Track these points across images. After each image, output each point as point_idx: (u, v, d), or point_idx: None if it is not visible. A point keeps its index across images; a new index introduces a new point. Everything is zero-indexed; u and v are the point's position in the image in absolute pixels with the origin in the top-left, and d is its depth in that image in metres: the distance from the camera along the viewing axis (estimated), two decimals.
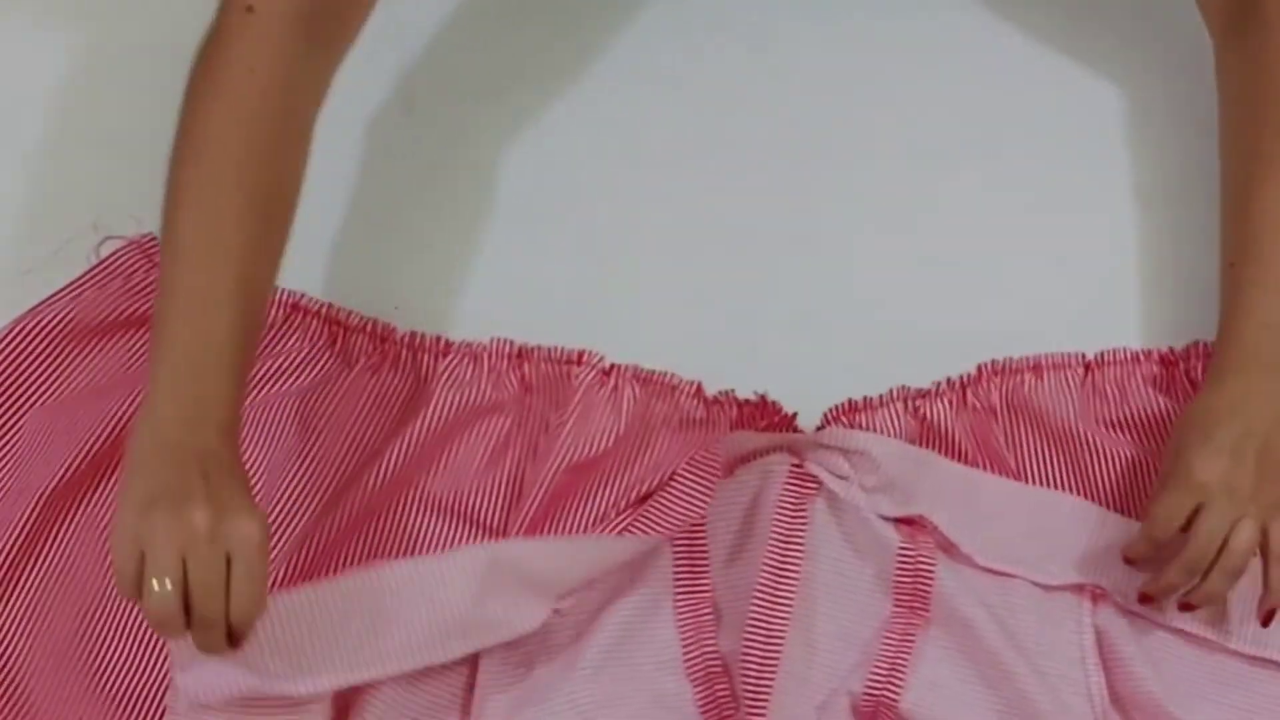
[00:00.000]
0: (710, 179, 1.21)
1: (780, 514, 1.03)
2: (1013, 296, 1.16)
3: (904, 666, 1.02)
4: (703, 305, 1.13)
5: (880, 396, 1.08)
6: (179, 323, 0.93)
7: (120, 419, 1.06)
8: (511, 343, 1.10)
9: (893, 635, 1.03)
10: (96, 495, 1.06)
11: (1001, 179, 1.20)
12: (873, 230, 1.19)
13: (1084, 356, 1.12)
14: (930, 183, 1.20)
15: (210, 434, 0.91)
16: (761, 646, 1.00)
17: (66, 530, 1.05)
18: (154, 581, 0.85)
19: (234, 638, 0.89)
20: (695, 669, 1.02)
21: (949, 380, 1.10)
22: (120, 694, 1.02)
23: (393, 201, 1.18)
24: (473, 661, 1.01)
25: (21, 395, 1.08)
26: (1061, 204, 1.19)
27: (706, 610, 1.03)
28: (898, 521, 1.06)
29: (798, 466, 1.04)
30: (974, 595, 1.03)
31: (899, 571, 1.04)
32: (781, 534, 1.02)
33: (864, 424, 1.08)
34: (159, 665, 1.02)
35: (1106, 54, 1.24)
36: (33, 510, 1.03)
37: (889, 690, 1.02)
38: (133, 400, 1.06)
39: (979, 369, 1.10)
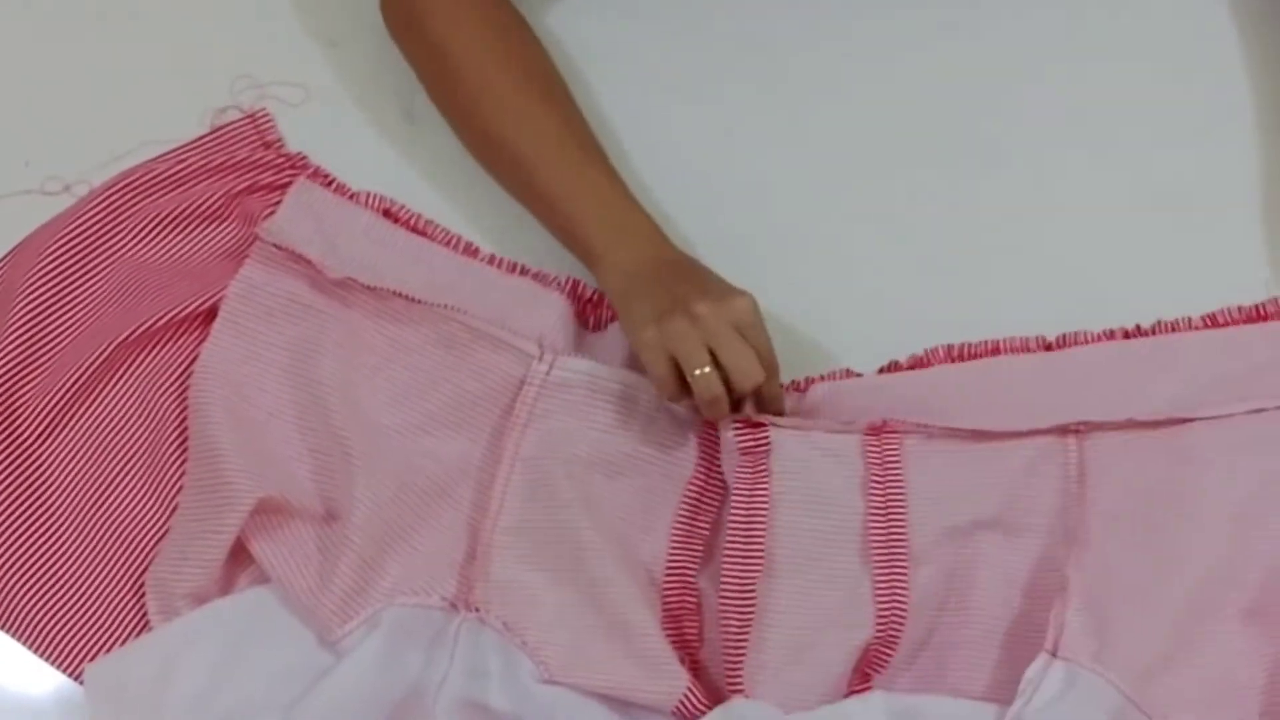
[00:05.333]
0: (714, 184, 1.21)
1: (740, 473, 1.04)
2: (1013, 294, 1.16)
3: (903, 601, 1.03)
4: None
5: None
6: (573, 185, 1.10)
7: (205, 301, 1.12)
8: None
9: (883, 576, 1.04)
10: (156, 356, 1.12)
11: (1002, 177, 1.20)
12: (872, 228, 1.19)
13: (1044, 338, 1.12)
14: (929, 181, 1.20)
15: (664, 250, 1.09)
16: (738, 604, 1.01)
17: (123, 381, 1.11)
18: (696, 371, 1.00)
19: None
20: (671, 596, 1.05)
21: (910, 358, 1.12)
22: (141, 548, 1.08)
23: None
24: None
25: (110, 244, 1.13)
26: (1061, 202, 1.19)
27: (699, 545, 1.05)
28: (866, 430, 1.07)
29: (741, 422, 1.06)
30: (951, 480, 1.06)
31: (872, 520, 1.05)
32: (744, 492, 1.04)
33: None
34: None
35: (1110, 53, 1.24)
36: (102, 354, 1.08)
37: (893, 626, 1.03)
38: (216, 293, 1.12)
39: (934, 350, 1.12)
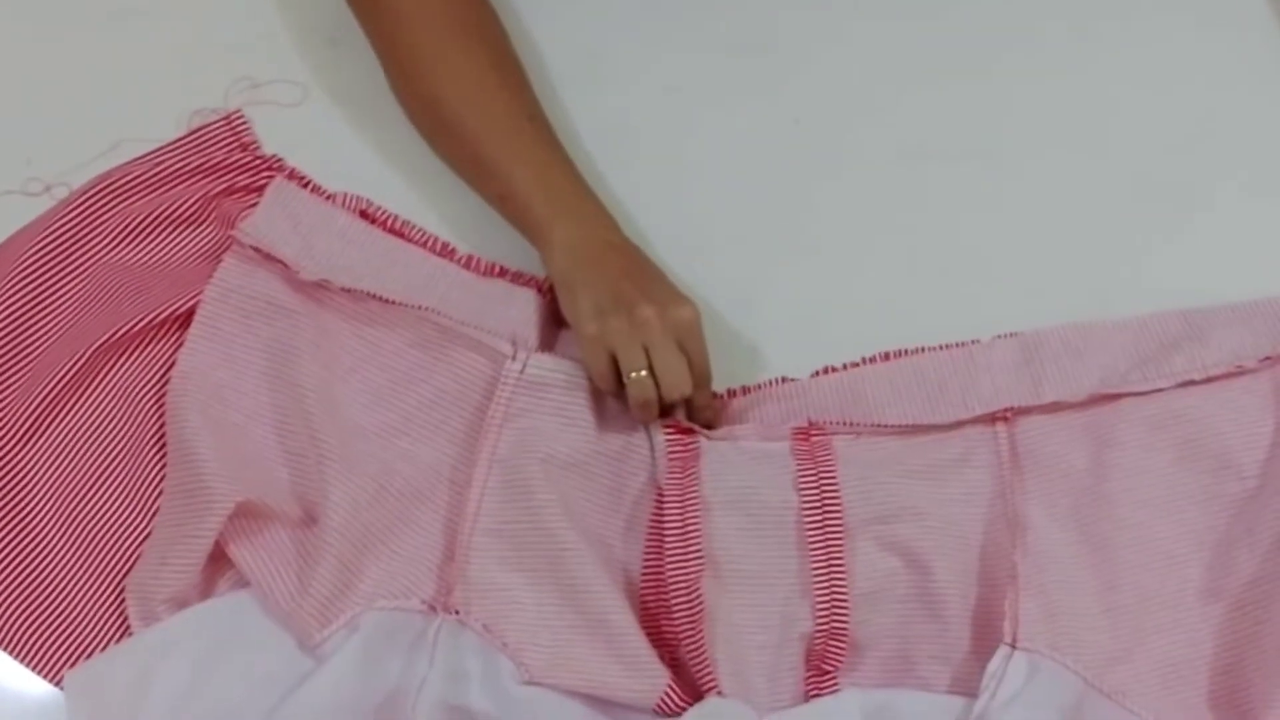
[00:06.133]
0: (711, 182, 1.21)
1: (670, 477, 1.05)
2: (1013, 296, 1.15)
3: (843, 590, 1.03)
4: (702, 305, 1.10)
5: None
6: (522, 157, 1.11)
7: (182, 304, 1.12)
8: None
9: (819, 566, 1.04)
10: (135, 360, 1.12)
11: (999, 176, 1.20)
12: (872, 230, 1.19)
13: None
14: (929, 181, 1.20)
15: (612, 235, 1.10)
16: (685, 605, 1.01)
17: (102, 386, 1.11)
18: (633, 375, 1.03)
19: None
20: (648, 595, 1.05)
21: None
22: (121, 553, 1.07)
23: (395, 202, 1.18)
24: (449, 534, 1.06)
25: (87, 248, 1.14)
26: (1061, 203, 1.18)
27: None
28: (793, 434, 1.07)
29: (672, 426, 1.07)
30: (883, 467, 1.06)
31: (806, 511, 1.05)
32: (675, 497, 1.05)
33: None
34: None
35: (1111, 51, 1.24)
36: (80, 359, 1.09)
37: (836, 618, 1.03)
38: (194, 295, 1.12)
39: (870, 357, 1.12)
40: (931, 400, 1.09)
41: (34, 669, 1.04)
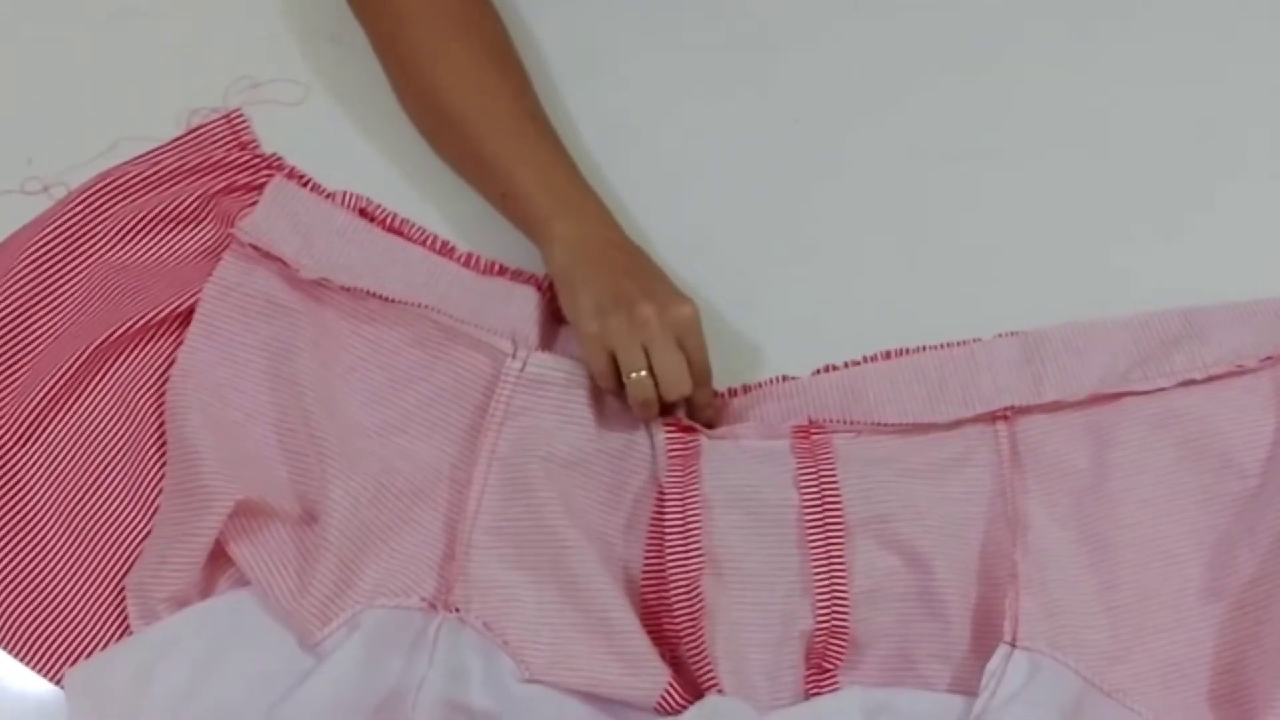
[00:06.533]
0: (712, 182, 1.21)
1: (670, 476, 1.05)
2: (1013, 295, 1.15)
3: (843, 588, 1.03)
4: (702, 305, 1.10)
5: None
6: (523, 154, 1.11)
7: (182, 302, 1.12)
8: None
9: (820, 564, 1.04)
10: (134, 359, 1.12)
11: (1001, 176, 1.20)
12: (872, 230, 1.19)
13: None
14: (929, 181, 1.20)
15: (613, 233, 1.10)
16: (685, 603, 1.02)
17: (101, 385, 1.11)
18: (633, 375, 1.03)
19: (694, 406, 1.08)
20: (649, 593, 1.05)
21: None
22: (120, 552, 1.07)
23: (395, 201, 1.18)
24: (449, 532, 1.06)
25: (86, 247, 1.14)
26: (1061, 203, 1.18)
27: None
28: (794, 433, 1.07)
29: (673, 425, 1.07)
30: (883, 465, 1.06)
31: (806, 509, 1.05)
32: (676, 496, 1.05)
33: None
34: None
35: (1111, 51, 1.24)
36: (79, 358, 1.09)
37: (836, 616, 1.03)
38: (193, 294, 1.12)
39: (871, 355, 1.12)
40: (932, 399, 1.09)
41: (34, 668, 1.04)
